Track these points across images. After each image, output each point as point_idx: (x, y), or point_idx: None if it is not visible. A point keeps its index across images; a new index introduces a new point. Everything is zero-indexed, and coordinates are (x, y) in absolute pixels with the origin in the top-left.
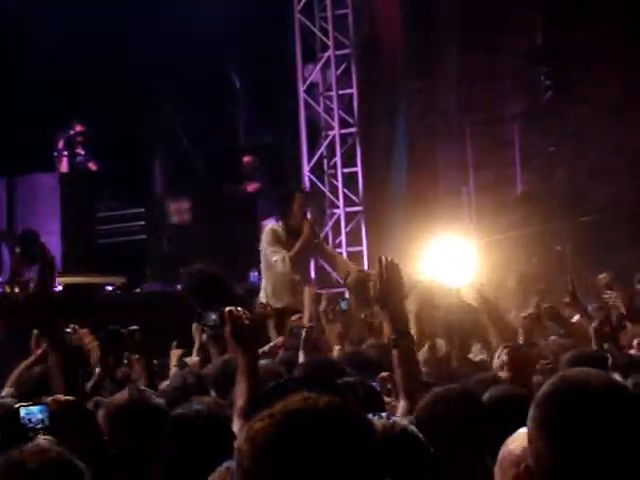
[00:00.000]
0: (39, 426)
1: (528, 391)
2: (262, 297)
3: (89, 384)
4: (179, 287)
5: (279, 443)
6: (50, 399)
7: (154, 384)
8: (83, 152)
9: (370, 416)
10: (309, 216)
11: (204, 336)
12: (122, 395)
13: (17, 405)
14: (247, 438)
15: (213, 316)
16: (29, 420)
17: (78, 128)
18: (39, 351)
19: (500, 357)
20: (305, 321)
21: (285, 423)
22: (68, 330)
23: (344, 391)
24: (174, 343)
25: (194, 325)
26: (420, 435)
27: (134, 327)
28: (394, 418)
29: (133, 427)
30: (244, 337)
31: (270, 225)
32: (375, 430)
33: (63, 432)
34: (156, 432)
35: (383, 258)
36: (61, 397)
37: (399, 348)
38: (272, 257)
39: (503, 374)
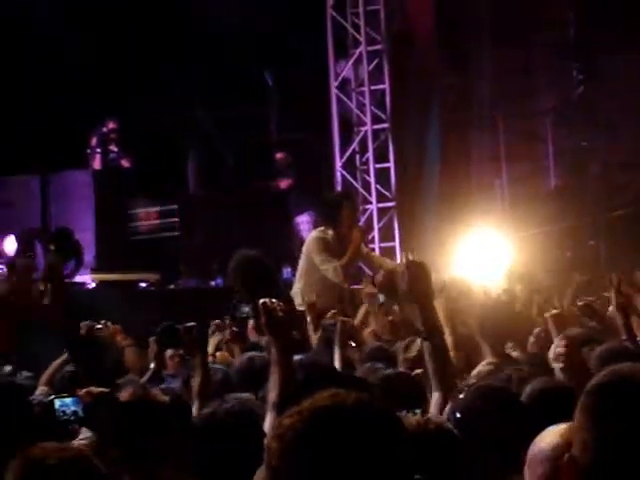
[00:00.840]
0: (73, 418)
1: (582, 383)
2: (297, 302)
3: (144, 379)
4: (214, 282)
5: (306, 440)
6: (83, 391)
7: (209, 382)
8: (116, 149)
9: (404, 413)
10: (359, 224)
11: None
12: (125, 392)
13: (51, 397)
14: (275, 435)
15: (246, 308)
16: (63, 412)
17: (111, 125)
18: None
19: (557, 347)
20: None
21: (312, 420)
22: (99, 326)
23: (373, 387)
24: (210, 329)
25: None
26: (455, 432)
27: (191, 324)
28: (429, 415)
29: (137, 424)
30: (278, 328)
31: (317, 233)
32: (404, 427)
33: (96, 423)
34: (162, 430)
35: (409, 254)
36: (94, 389)
37: (431, 341)
38: (322, 266)
39: (558, 365)
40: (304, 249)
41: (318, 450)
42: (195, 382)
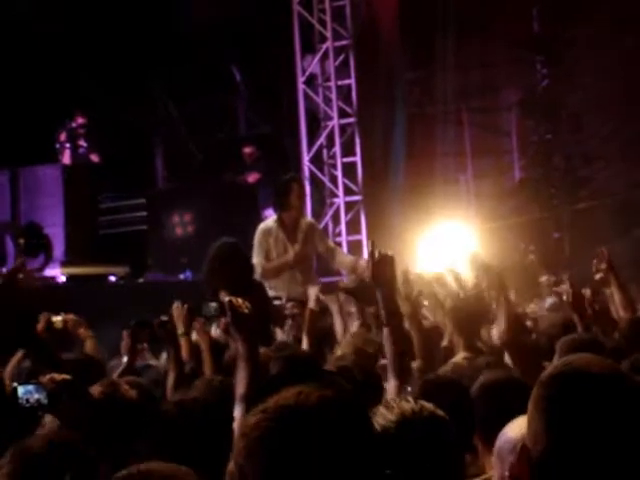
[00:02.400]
0: (37, 405)
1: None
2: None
3: (118, 371)
4: (182, 276)
5: (269, 440)
6: (47, 377)
7: (183, 375)
8: (85, 144)
9: (397, 400)
10: (308, 208)
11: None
12: (94, 389)
13: (14, 385)
14: (240, 434)
15: (214, 305)
16: (27, 400)
17: (80, 120)
18: None
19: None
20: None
21: (275, 420)
22: (58, 318)
23: (340, 380)
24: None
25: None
26: (447, 418)
27: (165, 318)
28: (421, 401)
29: (107, 421)
30: (244, 326)
31: (263, 224)
32: (370, 425)
33: (60, 410)
34: (132, 426)
35: (373, 243)
36: (57, 376)
37: (390, 327)
38: (254, 259)
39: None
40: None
41: (281, 450)
42: (169, 376)
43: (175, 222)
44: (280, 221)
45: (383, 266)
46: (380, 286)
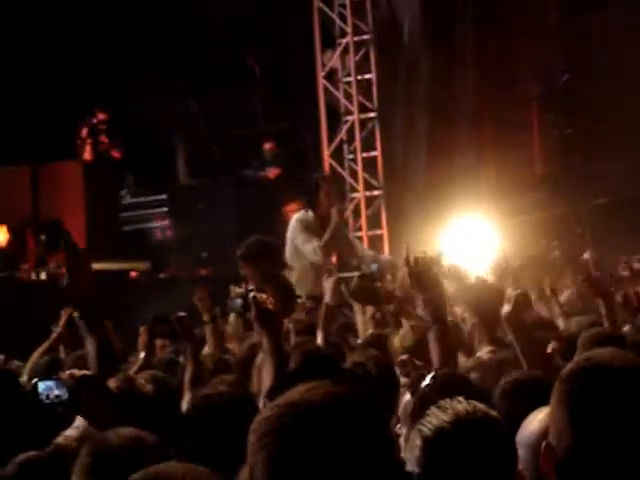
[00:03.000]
0: (57, 401)
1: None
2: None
3: (133, 369)
4: (203, 272)
5: (278, 435)
6: (67, 373)
7: (200, 372)
8: (106, 140)
9: (448, 401)
10: (336, 204)
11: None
12: (110, 384)
13: (34, 381)
14: (252, 430)
15: (238, 302)
16: (47, 396)
17: (101, 116)
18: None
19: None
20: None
21: (285, 415)
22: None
23: (355, 376)
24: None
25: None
26: (500, 419)
27: (182, 314)
28: (473, 402)
29: (123, 416)
30: (268, 321)
31: (298, 215)
32: (382, 424)
33: (80, 406)
34: (147, 421)
35: (407, 251)
36: (76, 372)
37: (435, 331)
38: (304, 246)
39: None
40: (287, 235)
41: (289, 446)
42: (187, 372)
43: (196, 218)
44: (314, 215)
45: (421, 271)
46: (421, 291)
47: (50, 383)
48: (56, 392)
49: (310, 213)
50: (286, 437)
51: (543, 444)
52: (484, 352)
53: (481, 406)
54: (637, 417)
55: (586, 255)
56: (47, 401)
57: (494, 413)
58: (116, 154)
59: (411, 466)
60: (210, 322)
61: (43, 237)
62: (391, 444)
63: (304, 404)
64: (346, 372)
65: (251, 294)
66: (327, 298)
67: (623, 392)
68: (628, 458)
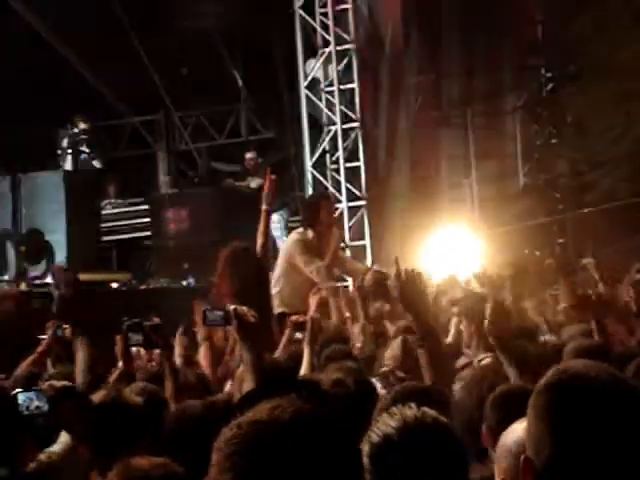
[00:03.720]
0: (37, 412)
1: None
2: (276, 304)
3: (112, 377)
4: (185, 282)
5: (242, 455)
6: (46, 384)
7: (177, 379)
8: (87, 150)
9: (400, 407)
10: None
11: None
12: (100, 395)
13: (15, 392)
14: (216, 449)
15: (219, 313)
16: (27, 407)
17: (82, 126)
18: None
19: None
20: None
21: (249, 434)
22: (66, 327)
23: (320, 393)
24: (180, 329)
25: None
26: (450, 425)
27: (156, 321)
28: (424, 408)
29: (111, 426)
30: (250, 334)
31: (296, 235)
32: (348, 440)
33: (60, 417)
34: (136, 431)
35: (398, 263)
36: (56, 383)
37: (426, 348)
38: (306, 267)
39: None
40: (283, 252)
41: (252, 466)
42: (167, 386)
43: (178, 229)
44: (313, 234)
45: (411, 285)
46: (410, 307)
47: (30, 394)
48: (36, 403)
49: (309, 232)
50: (254, 457)
51: (522, 457)
52: (483, 357)
53: (431, 412)
54: (612, 427)
55: (585, 261)
56: (27, 412)
57: (443, 419)
58: (97, 164)
59: None
60: (206, 340)
61: (23, 248)
62: (355, 460)
63: (273, 422)
64: (311, 388)
65: (232, 306)
66: (312, 312)
67: (598, 403)
68: (607, 468)
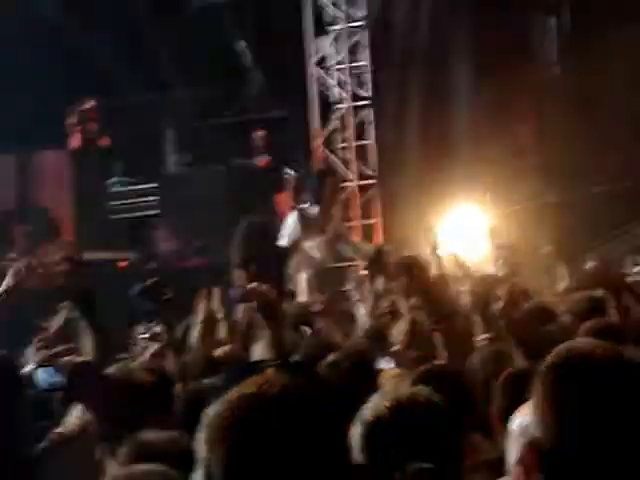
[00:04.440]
0: (55, 386)
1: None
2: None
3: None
4: (196, 259)
5: (231, 429)
6: (65, 360)
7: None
8: (95, 127)
9: (395, 387)
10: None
11: None
12: (110, 371)
13: (33, 367)
14: (204, 426)
15: (239, 292)
16: (46, 382)
17: (90, 103)
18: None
19: None
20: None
21: (237, 408)
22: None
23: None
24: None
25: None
26: (442, 405)
27: (169, 294)
28: (419, 387)
29: (121, 401)
30: (270, 311)
31: (295, 214)
32: (332, 417)
33: (78, 392)
34: (145, 407)
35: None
36: (75, 358)
37: (442, 331)
38: (307, 243)
39: None
40: (285, 232)
41: (241, 439)
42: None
43: (187, 207)
44: (320, 210)
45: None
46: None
47: (49, 369)
48: (54, 378)
49: (312, 209)
50: (243, 430)
51: (527, 441)
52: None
53: (424, 391)
54: (615, 405)
55: (590, 264)
56: (46, 386)
57: (437, 398)
58: (104, 142)
59: None
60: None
61: (29, 227)
62: (340, 438)
63: (261, 396)
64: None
65: (251, 285)
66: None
67: (600, 382)
68: (611, 446)
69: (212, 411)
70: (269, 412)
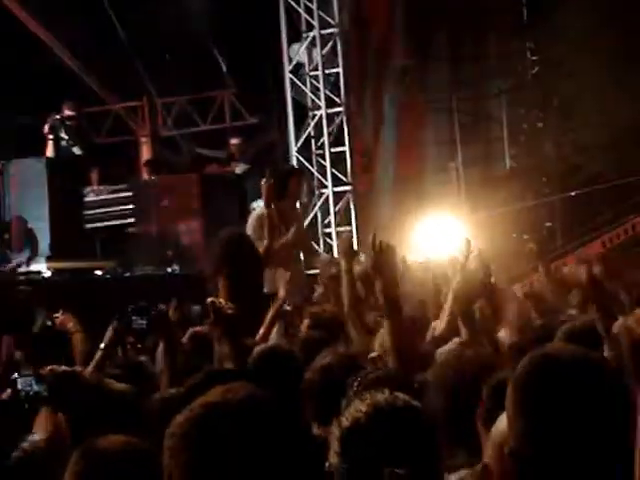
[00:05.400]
0: (36, 397)
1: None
2: None
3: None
4: (169, 270)
5: (193, 436)
6: (47, 369)
7: (177, 373)
8: (69, 136)
9: (373, 392)
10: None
11: None
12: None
13: (14, 377)
14: (168, 435)
15: (196, 308)
16: (26, 392)
17: (65, 112)
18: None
19: None
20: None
21: (200, 416)
22: (56, 315)
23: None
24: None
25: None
26: (421, 409)
27: (162, 307)
28: (396, 393)
29: (91, 409)
30: (228, 327)
31: (257, 211)
32: (294, 425)
33: (60, 403)
34: (119, 420)
35: (375, 235)
36: (57, 368)
37: (389, 319)
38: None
39: None
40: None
41: (203, 446)
42: (164, 376)
43: (162, 215)
44: (277, 208)
45: (385, 256)
46: (380, 276)
47: (29, 379)
48: (35, 388)
49: (272, 206)
50: (206, 436)
51: (505, 449)
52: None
53: (402, 396)
54: (583, 410)
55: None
56: (27, 397)
57: (416, 403)
58: (78, 151)
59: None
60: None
61: (7, 236)
62: (304, 444)
63: (223, 404)
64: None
65: (208, 299)
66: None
67: (575, 386)
68: (581, 449)
69: (176, 420)
70: (232, 418)
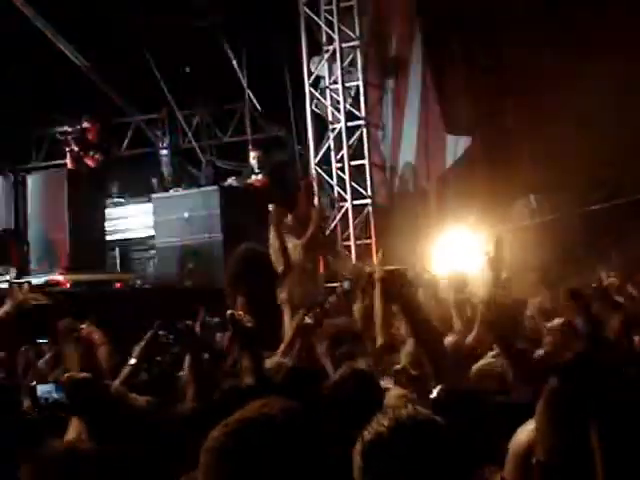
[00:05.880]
0: (55, 404)
1: None
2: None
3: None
4: (188, 282)
5: (229, 451)
6: (65, 376)
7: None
8: (91, 148)
9: (395, 408)
10: (316, 206)
11: None
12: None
13: (33, 384)
14: (203, 450)
15: (215, 319)
16: (46, 399)
17: (85, 124)
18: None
19: None
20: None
21: (236, 431)
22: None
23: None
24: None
25: None
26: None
27: (189, 322)
28: (418, 407)
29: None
30: (247, 339)
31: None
32: (327, 440)
33: (79, 409)
34: (136, 432)
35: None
36: (75, 375)
37: (422, 346)
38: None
39: None
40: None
41: (239, 461)
42: (189, 389)
43: (182, 228)
44: (293, 216)
45: (394, 283)
46: (398, 304)
47: (49, 387)
48: (55, 395)
49: (288, 215)
50: (242, 451)
51: (533, 460)
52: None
53: (425, 412)
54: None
55: (612, 279)
56: (46, 404)
57: (438, 419)
58: (95, 163)
59: None
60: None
61: (26, 247)
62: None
63: (260, 419)
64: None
65: (228, 312)
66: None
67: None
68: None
69: (212, 435)
70: (268, 433)
